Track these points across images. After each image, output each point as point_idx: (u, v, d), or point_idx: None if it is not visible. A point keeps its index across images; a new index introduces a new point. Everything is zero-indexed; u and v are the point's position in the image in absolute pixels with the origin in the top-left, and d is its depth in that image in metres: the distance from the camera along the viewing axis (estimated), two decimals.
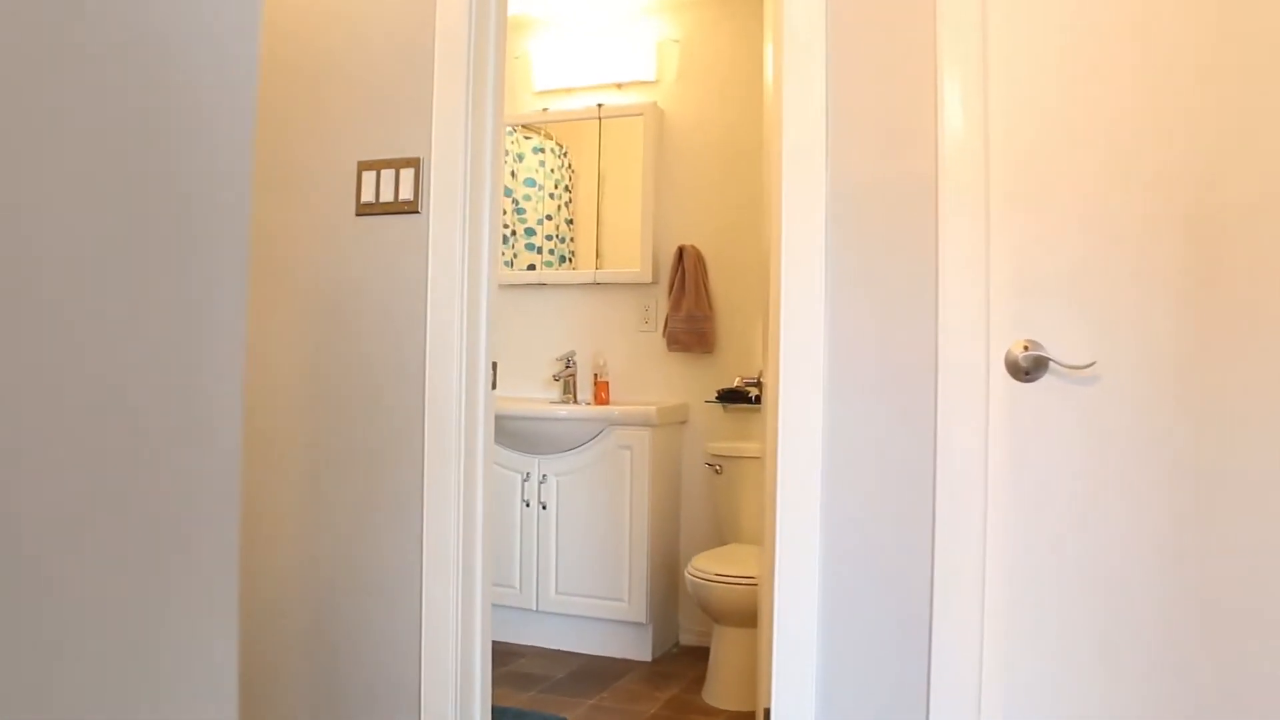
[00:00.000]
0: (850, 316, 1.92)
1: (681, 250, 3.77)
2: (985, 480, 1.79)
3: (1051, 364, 1.76)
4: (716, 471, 3.57)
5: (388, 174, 2.32)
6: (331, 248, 2.38)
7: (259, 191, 2.43)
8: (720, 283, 3.81)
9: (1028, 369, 1.76)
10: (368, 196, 2.34)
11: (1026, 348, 1.77)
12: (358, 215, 2.35)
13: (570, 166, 4.08)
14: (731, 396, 3.71)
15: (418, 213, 2.29)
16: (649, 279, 3.86)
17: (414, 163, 2.29)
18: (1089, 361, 1.73)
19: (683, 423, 3.85)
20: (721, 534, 3.61)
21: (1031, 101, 1.78)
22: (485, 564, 2.30)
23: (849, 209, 1.93)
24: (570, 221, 4.09)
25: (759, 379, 2.68)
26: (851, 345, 1.92)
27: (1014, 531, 1.77)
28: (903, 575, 1.86)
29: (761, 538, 3.53)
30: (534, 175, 4.12)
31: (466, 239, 2.23)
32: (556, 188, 4.10)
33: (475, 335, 2.20)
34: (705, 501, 3.80)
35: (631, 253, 3.92)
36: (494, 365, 2.25)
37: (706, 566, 3.08)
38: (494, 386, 2.25)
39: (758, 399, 3.66)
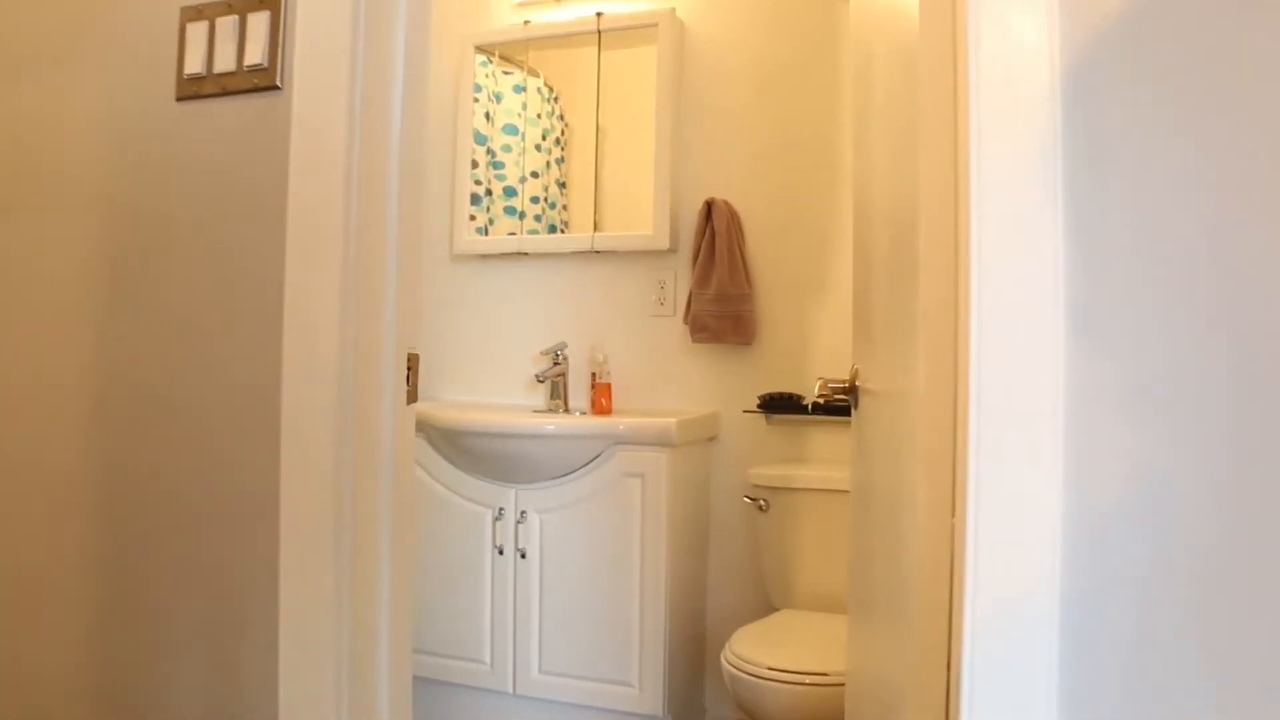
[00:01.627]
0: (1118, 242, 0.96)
1: (710, 206, 2.82)
2: None
3: None
4: (760, 508, 2.62)
5: (227, 25, 1.36)
6: (132, 157, 1.43)
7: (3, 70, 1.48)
8: (763, 251, 2.86)
9: None
10: (195, 66, 1.39)
11: None
12: (179, 99, 1.40)
13: (562, 117, 3.14)
14: (779, 404, 2.76)
15: (275, 89, 1.34)
16: (665, 245, 2.91)
17: (270, 2, 1.34)
18: None
19: (712, 439, 2.90)
20: (767, 596, 2.65)
21: None
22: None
23: (1107, 65, 0.97)
24: (563, 185, 3.14)
25: (850, 383, 1.73)
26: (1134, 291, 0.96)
27: None
28: None
29: (834, 603, 2.50)
30: (514, 121, 3.19)
31: (358, 136, 1.27)
32: (545, 139, 3.16)
33: (374, 309, 1.24)
34: (745, 550, 2.85)
35: (641, 211, 2.97)
36: (413, 361, 1.30)
37: (753, 655, 2.13)
38: (413, 397, 1.29)
39: (833, 408, 2.71)
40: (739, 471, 2.84)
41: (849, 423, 2.67)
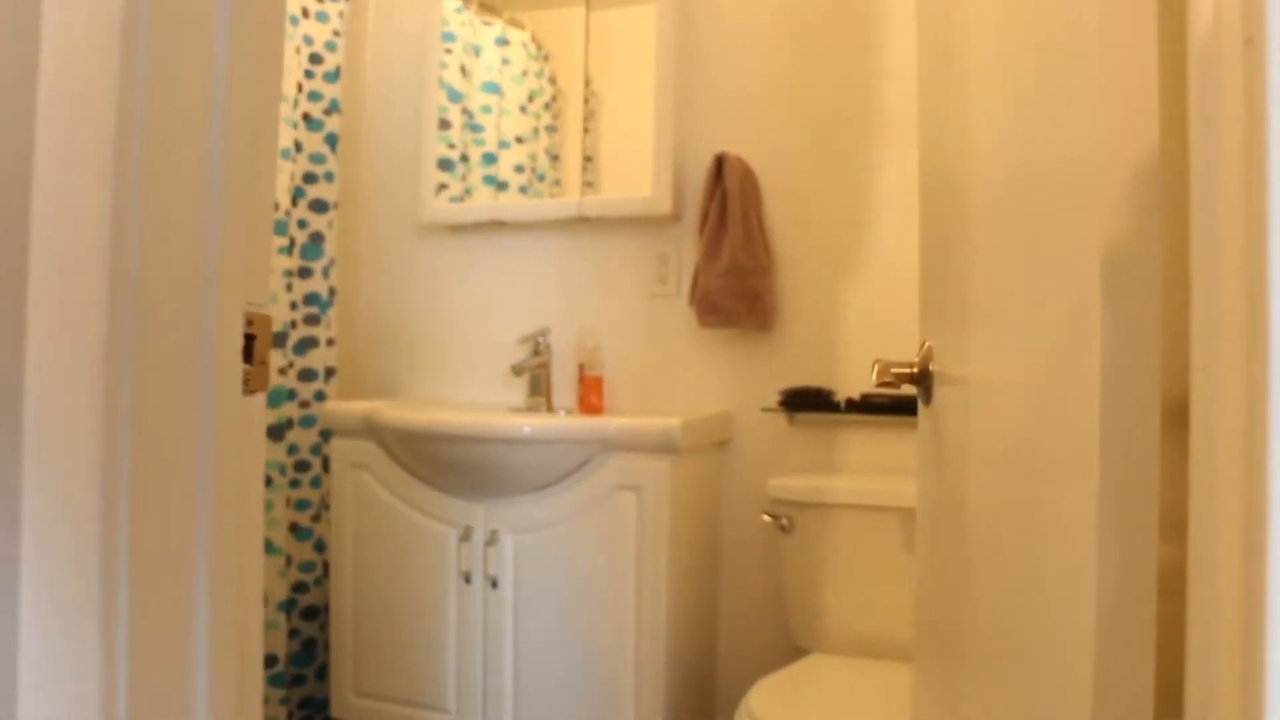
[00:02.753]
0: None
1: (721, 162, 2.36)
2: None
3: None
4: (782, 528, 2.16)
5: None
6: None
7: None
8: (784, 217, 2.41)
9: None
10: None
11: None
12: None
13: (553, 81, 2.69)
14: (805, 401, 2.30)
15: None
16: (667, 209, 2.46)
17: None
18: None
19: (723, 444, 2.44)
20: (791, 636, 2.19)
21: None
22: None
23: None
24: (555, 157, 2.69)
25: (921, 368, 1.27)
26: None
27: None
28: None
29: (875, 647, 2.05)
30: (495, 78, 2.75)
31: None
32: (532, 101, 2.71)
33: (177, 243, 0.78)
34: (763, 579, 2.40)
35: (639, 170, 2.51)
36: (258, 326, 0.83)
37: (779, 716, 1.67)
38: (260, 382, 0.83)
39: (899, 405, 2.27)
40: (756, 483, 2.38)
41: (899, 423, 2.25)
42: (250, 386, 0.82)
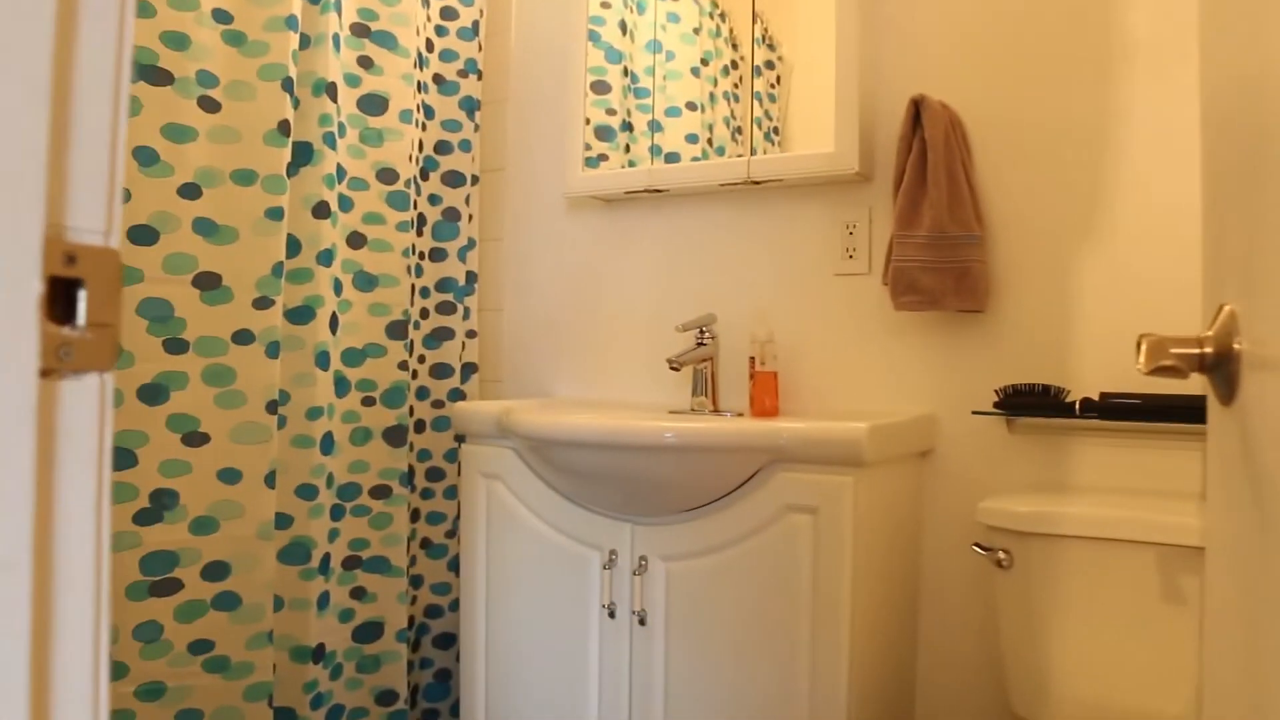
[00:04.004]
0: None
1: (919, 107, 1.93)
2: None
3: None
4: (1000, 564, 1.72)
5: None
6: None
7: None
8: (998, 176, 1.97)
9: None
10: None
11: None
12: None
13: (734, 43, 2.33)
14: (1030, 402, 1.86)
15: None
16: (853, 167, 2.05)
17: None
18: None
19: (924, 455, 2.02)
20: (1009, 702, 1.74)
21: None
22: None
23: None
24: (738, 130, 2.31)
25: (1218, 346, 0.83)
26: None
27: None
28: None
29: None
30: (661, 38, 2.40)
31: None
32: (707, 66, 2.35)
33: None
34: (973, 627, 1.98)
35: (820, 130, 2.11)
36: (67, 270, 0.50)
37: None
38: (91, 358, 0.50)
39: (1157, 408, 1.82)
40: (965, 505, 1.94)
41: (1156, 431, 1.77)
42: (70, 362, 0.49)
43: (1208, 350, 0.85)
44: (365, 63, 2.25)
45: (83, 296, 0.50)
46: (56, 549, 0.50)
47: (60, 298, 0.50)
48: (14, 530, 0.47)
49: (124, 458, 1.80)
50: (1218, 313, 0.86)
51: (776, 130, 2.25)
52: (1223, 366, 0.84)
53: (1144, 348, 0.85)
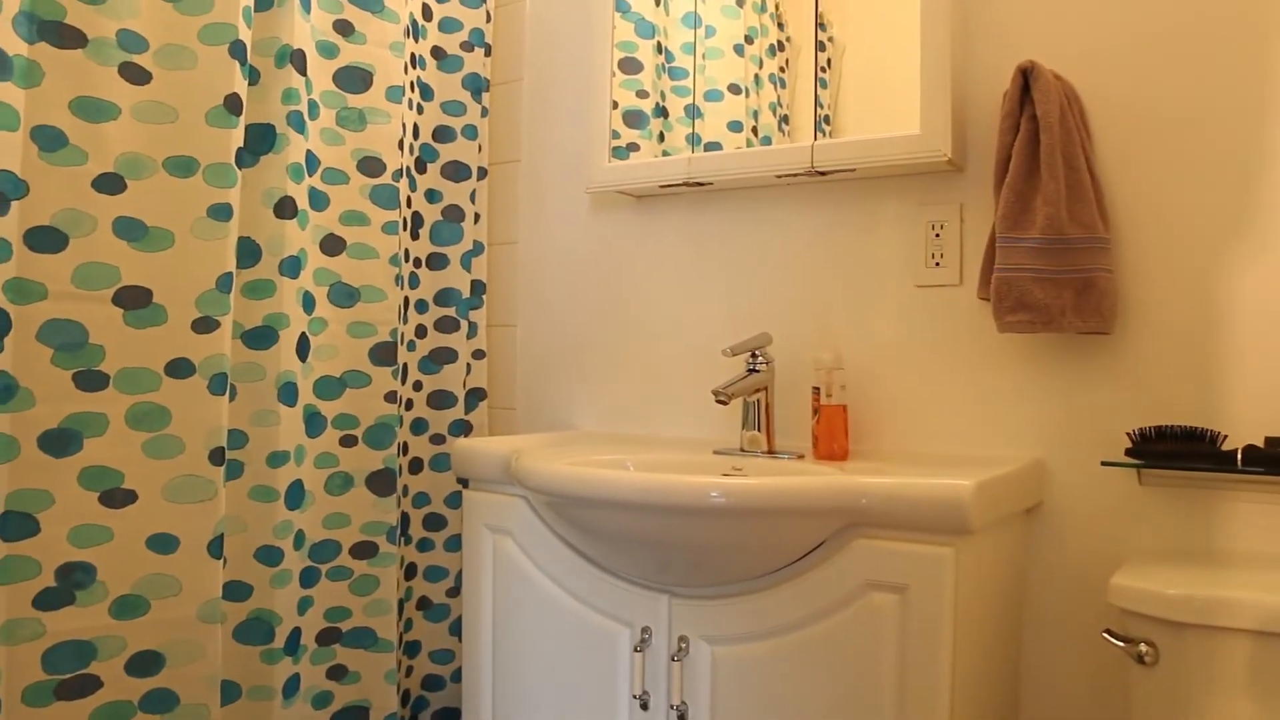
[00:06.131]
0: None
1: (1027, 77, 1.61)
2: None
3: None
4: (1142, 659, 1.38)
5: None
6: None
7: None
8: (1127, 166, 1.66)
9: None
10: None
11: None
12: None
13: (779, 17, 2.07)
14: (1173, 449, 1.54)
15: None
16: (943, 153, 1.73)
17: None
18: None
19: (1031, 512, 1.69)
20: None
21: None
22: None
23: None
24: (785, 119, 2.03)
25: None
26: None
27: None
28: None
29: None
30: (701, 11, 2.15)
31: None
32: (751, 44, 2.09)
33: None
34: None
35: (904, 101, 1.81)
36: None
37: None
38: None
39: None
40: (1085, 578, 1.63)
41: None
42: None
43: None
44: (344, 28, 1.99)
45: None
46: None
47: None
48: None
49: (21, 524, 1.48)
50: None
51: (828, 119, 1.97)
52: None
53: None
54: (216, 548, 1.64)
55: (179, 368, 1.63)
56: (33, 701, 1.49)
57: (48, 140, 1.52)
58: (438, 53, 2.24)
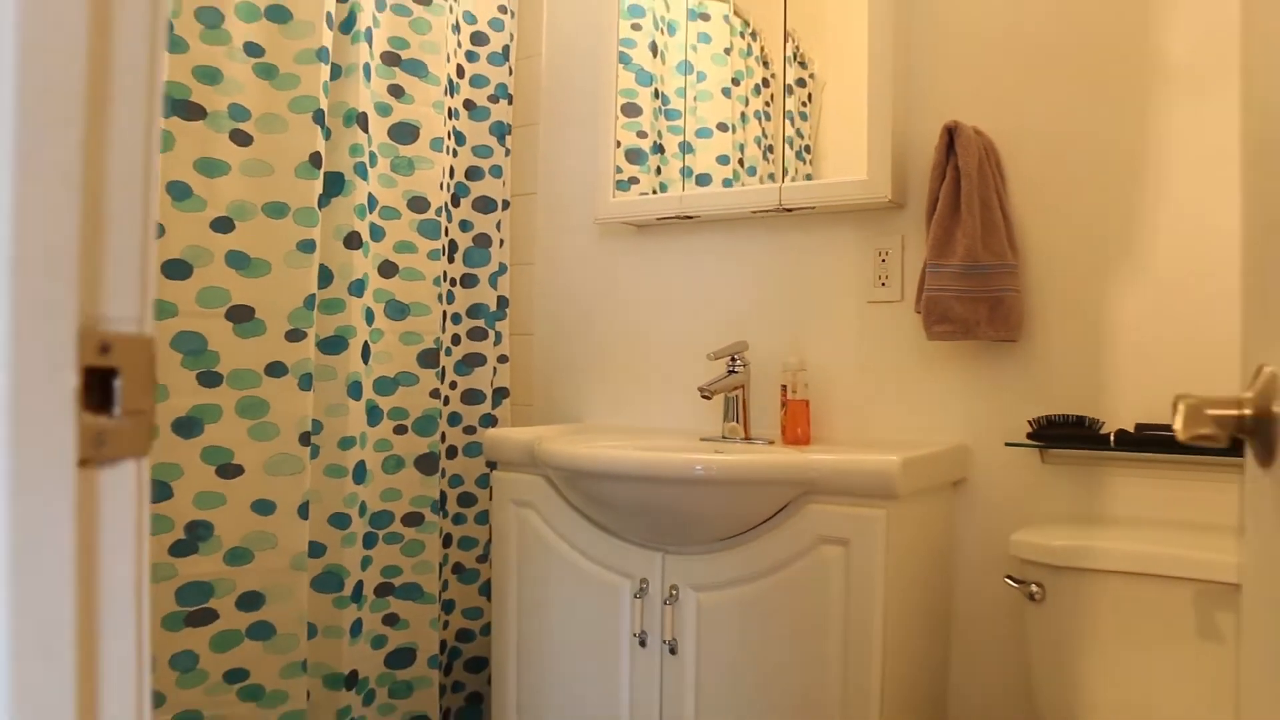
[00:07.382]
0: None
1: (953, 134, 1.96)
2: None
3: None
4: (1032, 597, 1.75)
5: None
6: None
7: None
8: (1033, 203, 1.99)
9: None
10: None
11: None
12: None
13: (765, 61, 2.36)
14: (1064, 433, 1.88)
15: None
16: (886, 194, 2.08)
17: None
18: None
19: (956, 485, 2.05)
20: None
21: None
22: None
23: None
24: (769, 149, 2.33)
25: (1258, 408, 0.85)
26: None
27: None
28: None
29: None
30: (692, 59, 2.43)
31: None
32: (738, 86, 2.38)
33: None
34: (1006, 662, 2.00)
35: (852, 149, 2.14)
36: (101, 360, 0.55)
37: None
38: (125, 445, 0.54)
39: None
40: (997, 537, 1.98)
41: (1190, 463, 1.80)
42: (106, 450, 0.53)
43: (1247, 412, 0.86)
44: (396, 91, 2.30)
45: (118, 385, 0.54)
46: (99, 638, 0.54)
47: (95, 387, 0.53)
48: (57, 620, 0.51)
49: (160, 490, 1.87)
50: (1257, 374, 0.88)
51: (808, 149, 2.27)
52: (1263, 430, 0.86)
53: (1180, 412, 0.87)
54: (304, 511, 2.01)
55: (275, 369, 2.00)
56: (168, 627, 1.88)
57: (178, 192, 1.90)
58: (469, 105, 2.52)
